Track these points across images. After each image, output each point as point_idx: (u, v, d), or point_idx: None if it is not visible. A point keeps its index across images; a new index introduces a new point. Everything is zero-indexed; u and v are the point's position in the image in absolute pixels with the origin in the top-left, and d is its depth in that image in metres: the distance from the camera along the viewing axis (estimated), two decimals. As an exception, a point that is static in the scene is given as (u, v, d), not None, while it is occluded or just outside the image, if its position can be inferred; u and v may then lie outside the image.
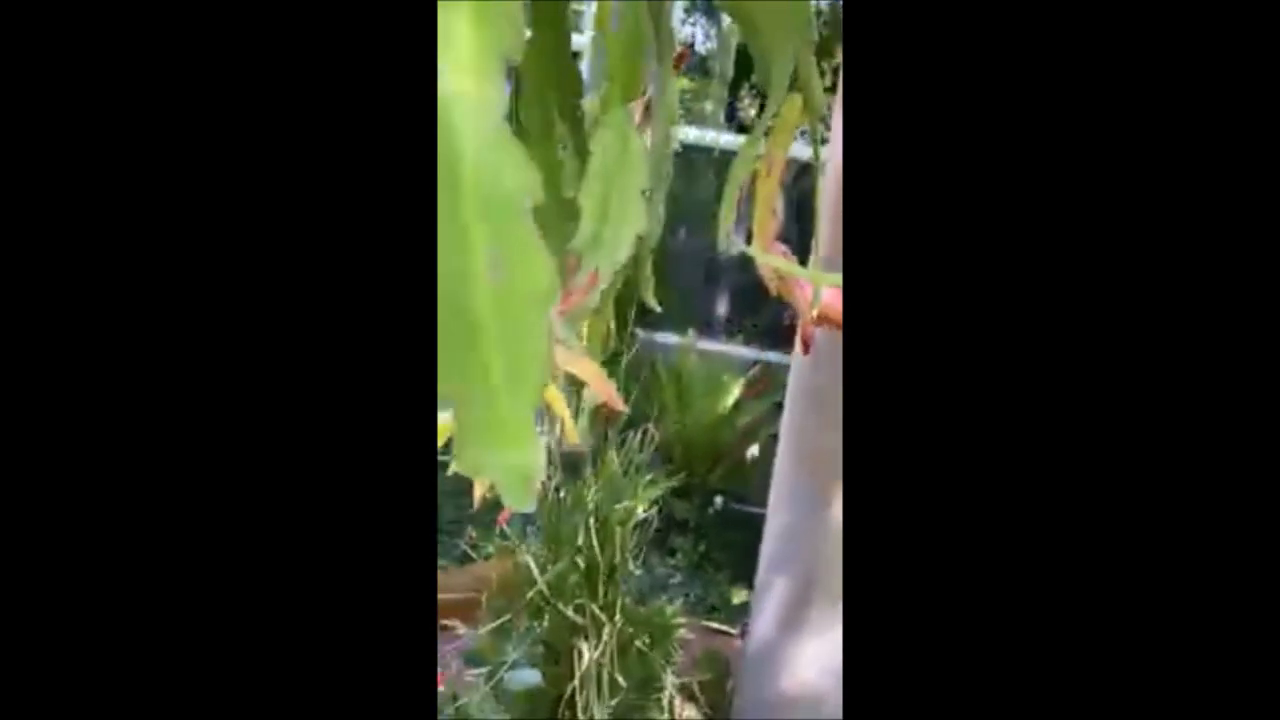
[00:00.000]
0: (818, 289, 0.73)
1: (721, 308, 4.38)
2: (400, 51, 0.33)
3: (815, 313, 0.71)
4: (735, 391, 3.78)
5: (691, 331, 4.01)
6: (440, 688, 1.99)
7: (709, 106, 5.22)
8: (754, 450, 3.75)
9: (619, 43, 0.66)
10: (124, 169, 0.36)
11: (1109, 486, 0.39)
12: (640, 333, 3.86)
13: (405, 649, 0.38)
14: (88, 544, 0.37)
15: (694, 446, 3.68)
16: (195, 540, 0.37)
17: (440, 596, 2.15)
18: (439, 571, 2.15)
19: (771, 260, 0.73)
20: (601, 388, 0.72)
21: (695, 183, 4.13)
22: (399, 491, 0.37)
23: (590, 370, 0.71)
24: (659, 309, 0.72)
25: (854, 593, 0.41)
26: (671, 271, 4.01)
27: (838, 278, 0.68)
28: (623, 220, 0.60)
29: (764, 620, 1.81)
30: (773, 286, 0.76)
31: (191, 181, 0.36)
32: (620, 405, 0.72)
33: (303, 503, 0.38)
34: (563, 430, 0.73)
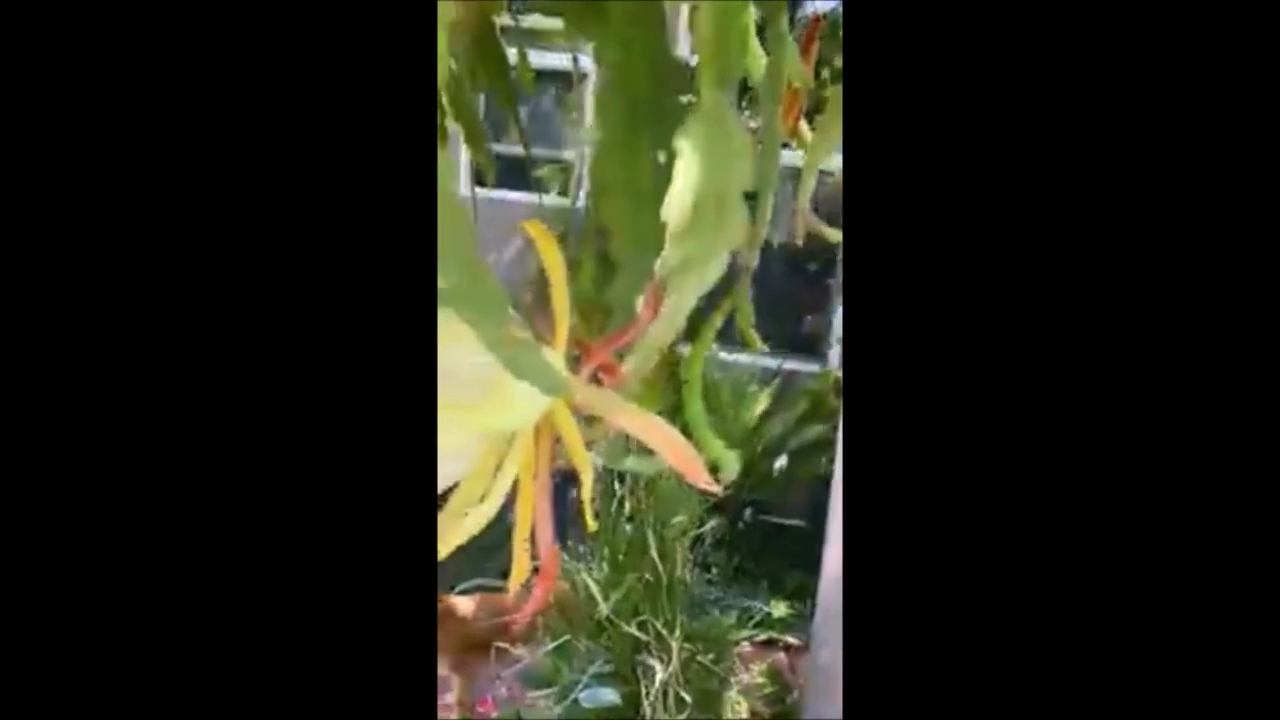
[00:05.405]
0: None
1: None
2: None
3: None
4: (763, 402, 3.77)
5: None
6: (493, 714, 1.96)
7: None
8: (782, 462, 3.73)
9: (711, 10, 0.50)
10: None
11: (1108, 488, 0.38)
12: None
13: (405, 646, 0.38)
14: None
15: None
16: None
17: (496, 620, 2.13)
18: (496, 593, 2.13)
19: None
20: (679, 457, 0.45)
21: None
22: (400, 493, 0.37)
23: (659, 433, 0.45)
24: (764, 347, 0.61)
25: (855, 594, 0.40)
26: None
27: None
28: (717, 233, 0.47)
29: (831, 642, 1.80)
30: None
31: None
32: (712, 485, 0.46)
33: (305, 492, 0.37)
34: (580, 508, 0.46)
